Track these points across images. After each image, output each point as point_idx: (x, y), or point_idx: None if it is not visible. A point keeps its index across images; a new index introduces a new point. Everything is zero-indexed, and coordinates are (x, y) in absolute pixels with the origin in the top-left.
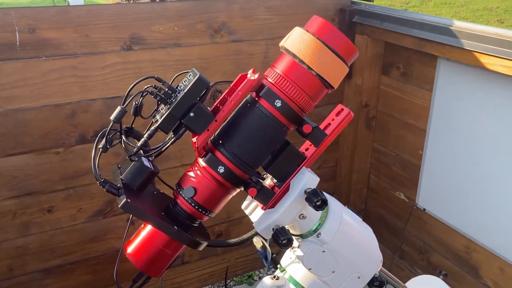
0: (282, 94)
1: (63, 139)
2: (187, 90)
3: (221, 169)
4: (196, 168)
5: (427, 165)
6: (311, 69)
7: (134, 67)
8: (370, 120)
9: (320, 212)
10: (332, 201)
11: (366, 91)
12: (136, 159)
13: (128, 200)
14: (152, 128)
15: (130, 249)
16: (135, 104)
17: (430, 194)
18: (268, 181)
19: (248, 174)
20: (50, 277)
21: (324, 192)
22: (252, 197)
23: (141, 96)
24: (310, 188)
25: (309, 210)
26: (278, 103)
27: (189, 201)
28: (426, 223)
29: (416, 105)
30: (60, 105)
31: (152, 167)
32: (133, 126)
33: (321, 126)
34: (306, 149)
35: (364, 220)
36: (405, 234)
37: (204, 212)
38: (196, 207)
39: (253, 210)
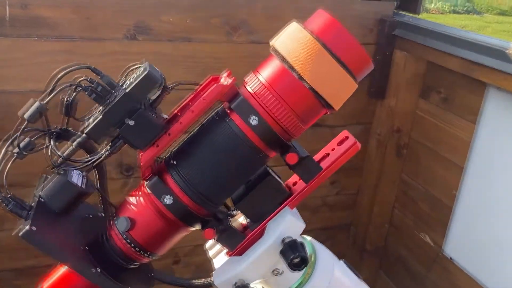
0: (260, 109)
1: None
2: (129, 89)
3: (168, 200)
4: (139, 193)
5: (460, 208)
6: (303, 79)
7: (136, 59)
8: (401, 147)
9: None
10: (321, 252)
11: (399, 115)
12: (62, 172)
13: (33, 228)
14: (83, 135)
15: None
16: (67, 101)
17: (460, 242)
18: (241, 219)
19: (207, 210)
20: (21, 278)
21: (313, 242)
22: (214, 240)
23: (74, 91)
24: (290, 238)
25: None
26: (254, 121)
27: (123, 236)
28: (451, 274)
29: (455, 137)
30: None
31: (84, 184)
32: (69, 127)
33: (317, 156)
34: (295, 184)
35: (382, 259)
36: (426, 282)
37: (141, 253)
38: (132, 245)
39: (217, 253)
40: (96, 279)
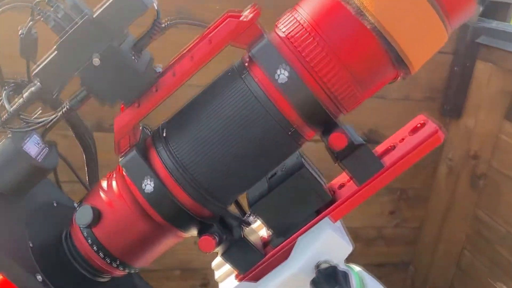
0: (294, 59)
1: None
2: (96, 14)
3: (148, 186)
4: (113, 175)
5: None
6: (363, 14)
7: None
8: (477, 177)
9: None
10: None
11: (478, 138)
12: (9, 135)
13: None
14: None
15: None
16: (21, 34)
17: None
18: (262, 231)
19: (208, 209)
20: None
21: (362, 275)
22: (217, 254)
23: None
24: (328, 263)
25: None
26: (282, 75)
27: (84, 234)
28: None
29: None
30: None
31: (42, 157)
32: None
33: (378, 150)
34: (341, 186)
35: None
36: None
37: (108, 261)
38: (95, 249)
39: (226, 275)
40: None
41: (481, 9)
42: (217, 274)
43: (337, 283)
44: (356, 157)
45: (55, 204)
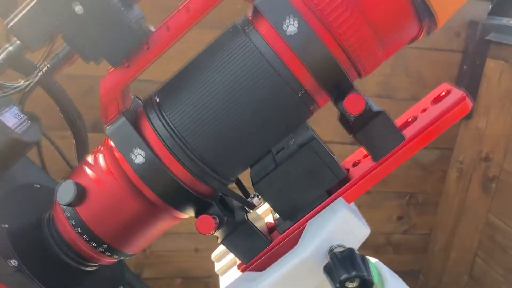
0: (304, 8)
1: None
2: None
3: (138, 157)
4: (100, 148)
5: None
6: None
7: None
8: (490, 180)
9: None
10: (394, 284)
11: (489, 139)
12: None
13: None
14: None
15: None
16: None
17: None
18: (269, 217)
19: (206, 184)
20: None
21: (379, 266)
22: (218, 240)
23: None
24: (342, 247)
25: None
26: (291, 27)
27: (66, 214)
28: None
29: None
30: (74, 76)
31: (22, 129)
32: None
33: (398, 123)
34: (356, 164)
35: None
36: None
37: (94, 246)
38: (79, 231)
39: (228, 267)
40: (4, 277)
41: (490, 6)
42: (218, 266)
43: (355, 267)
44: (374, 127)
45: (37, 186)
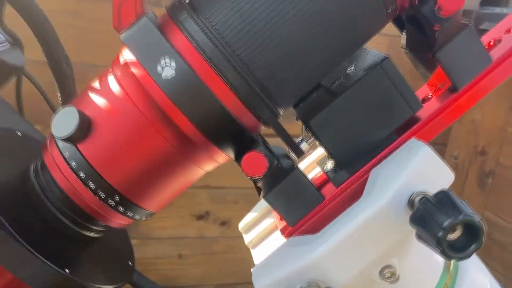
0: None
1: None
2: None
3: (167, 69)
4: (110, 69)
5: None
6: None
7: None
8: (486, 175)
9: (443, 266)
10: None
11: (485, 132)
12: None
13: None
14: None
15: None
16: None
17: None
18: (316, 170)
19: (254, 113)
20: None
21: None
22: (259, 194)
23: None
24: (425, 194)
25: (414, 258)
26: None
27: (65, 155)
28: None
29: None
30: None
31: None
32: None
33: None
34: (424, 100)
35: None
36: None
37: (101, 195)
38: (81, 175)
39: (261, 238)
40: None
41: None
42: (248, 238)
43: (460, 210)
44: (460, 43)
45: (19, 134)
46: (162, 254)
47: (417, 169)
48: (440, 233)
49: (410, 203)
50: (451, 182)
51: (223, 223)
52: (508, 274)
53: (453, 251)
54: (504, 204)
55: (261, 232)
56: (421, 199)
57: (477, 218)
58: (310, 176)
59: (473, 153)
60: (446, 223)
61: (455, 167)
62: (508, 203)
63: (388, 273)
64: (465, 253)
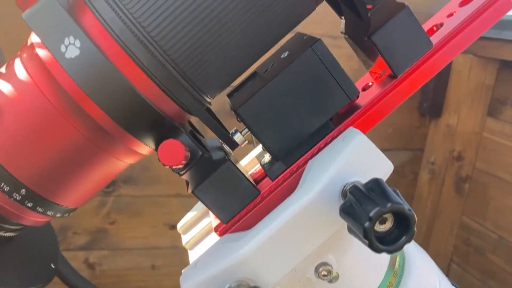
0: None
1: None
2: None
3: (71, 48)
4: (19, 53)
5: None
6: None
7: None
8: (462, 180)
9: (388, 264)
10: (416, 256)
11: (461, 137)
12: None
13: None
14: None
15: None
16: None
17: None
18: (256, 166)
19: (173, 98)
20: None
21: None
22: (188, 189)
23: None
24: (359, 183)
25: (355, 255)
26: None
27: None
28: None
29: None
30: None
31: None
32: None
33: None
34: (365, 88)
35: None
36: None
37: (5, 189)
38: None
39: (199, 238)
40: None
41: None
42: (185, 239)
43: (389, 198)
44: (397, 24)
45: None
46: (134, 265)
47: (351, 158)
48: (367, 223)
49: (344, 194)
50: (389, 173)
51: None
52: (486, 280)
53: (383, 244)
54: (481, 209)
55: (198, 233)
56: (350, 188)
57: (407, 206)
58: (251, 171)
59: (449, 158)
60: (373, 212)
61: (432, 173)
62: (485, 208)
63: (324, 271)
64: (395, 246)
